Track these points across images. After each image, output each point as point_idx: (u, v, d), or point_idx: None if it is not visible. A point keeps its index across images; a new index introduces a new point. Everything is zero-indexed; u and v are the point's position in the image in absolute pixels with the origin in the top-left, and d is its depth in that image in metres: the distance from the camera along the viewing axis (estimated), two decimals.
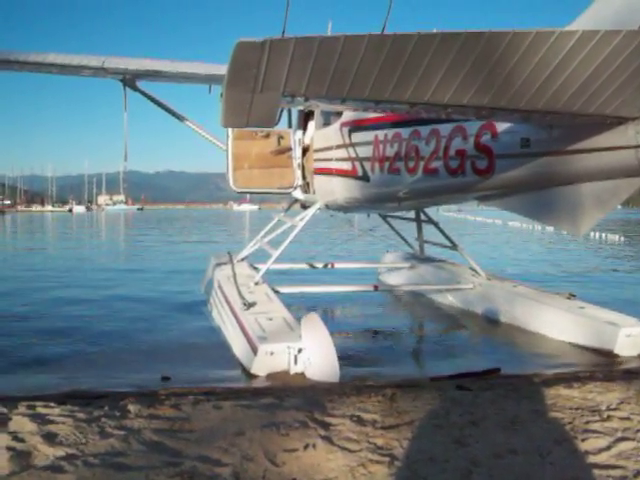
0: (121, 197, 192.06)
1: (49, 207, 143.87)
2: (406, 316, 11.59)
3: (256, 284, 9.62)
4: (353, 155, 9.13)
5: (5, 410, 4.51)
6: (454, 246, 11.57)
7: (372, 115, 8.53)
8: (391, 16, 3.55)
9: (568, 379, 6.05)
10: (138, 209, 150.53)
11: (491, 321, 9.87)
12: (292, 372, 6.58)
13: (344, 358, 6.54)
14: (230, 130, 11.15)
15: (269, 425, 4.32)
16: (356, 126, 9.06)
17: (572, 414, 4.85)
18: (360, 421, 4.57)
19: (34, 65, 9.62)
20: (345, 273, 13.66)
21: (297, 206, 12.56)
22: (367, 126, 8.70)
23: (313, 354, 6.52)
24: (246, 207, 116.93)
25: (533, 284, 10.58)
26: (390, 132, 8.05)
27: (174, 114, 11.46)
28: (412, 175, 7.61)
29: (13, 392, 5.79)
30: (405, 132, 7.71)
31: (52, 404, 4.74)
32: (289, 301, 8.95)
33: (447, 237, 11.67)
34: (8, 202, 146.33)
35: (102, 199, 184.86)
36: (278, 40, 3.58)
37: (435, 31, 3.65)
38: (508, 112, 4.56)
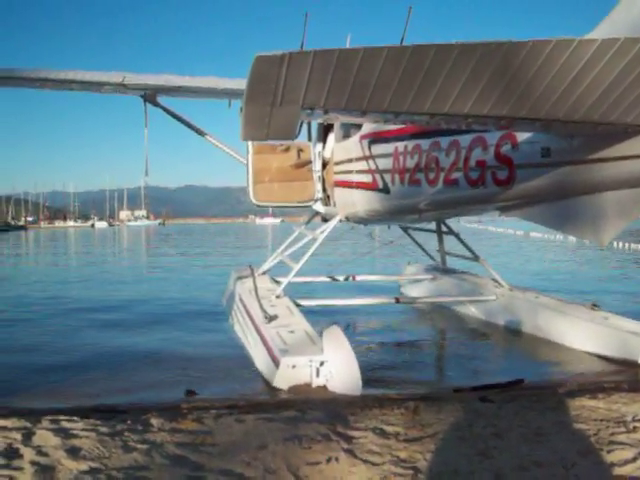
0: (142, 212, 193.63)
1: (71, 223, 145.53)
2: (428, 328, 11.52)
3: (277, 297, 9.63)
4: (373, 167, 9.13)
5: (29, 424, 4.55)
6: (476, 257, 11.51)
7: (392, 127, 8.54)
8: (409, 28, 3.54)
9: (593, 390, 5.97)
10: (159, 224, 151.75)
11: (514, 332, 9.79)
12: (314, 385, 6.55)
13: (366, 370, 6.50)
14: (250, 144, 11.21)
15: (291, 438, 4.31)
16: (376, 138, 9.07)
17: (597, 425, 4.78)
18: (383, 434, 4.55)
19: (55, 82, 9.76)
20: (366, 286, 13.63)
21: (318, 219, 12.57)
22: (387, 138, 8.70)
23: (335, 367, 6.50)
24: (268, 220, 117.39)
25: (555, 295, 10.45)
26: (410, 144, 8.03)
27: (194, 129, 11.56)
28: (432, 186, 7.58)
29: (37, 405, 5.91)
30: (425, 143, 7.70)
31: (75, 418, 4.77)
32: (310, 314, 8.93)
33: (468, 248, 11.61)
34: (31, 219, 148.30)
35: (124, 214, 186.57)
36: (297, 53, 3.60)
37: (454, 42, 3.65)
38: (528, 122, 4.53)
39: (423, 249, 13.37)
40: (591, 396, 5.60)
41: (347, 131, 10.37)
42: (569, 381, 6.70)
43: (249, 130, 4.52)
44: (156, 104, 10.65)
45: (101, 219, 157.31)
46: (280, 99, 3.92)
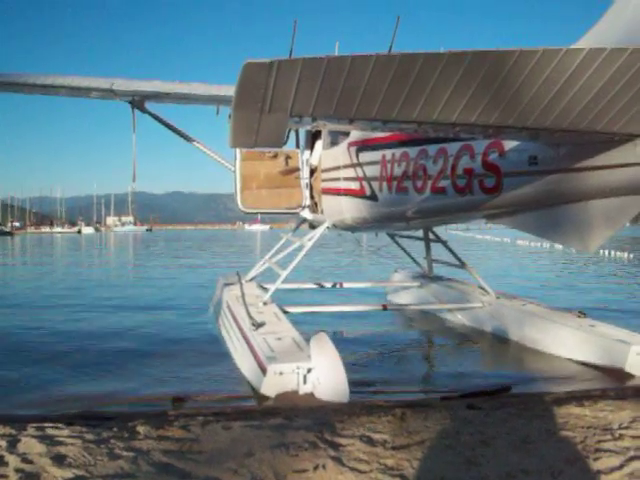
0: (129, 218, 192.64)
1: (58, 229, 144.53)
2: (415, 335, 11.54)
3: (265, 304, 9.61)
4: (361, 175, 9.16)
5: (14, 431, 4.51)
6: (462, 265, 11.55)
7: (379, 135, 8.57)
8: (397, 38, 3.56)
9: (579, 397, 6.00)
10: (147, 230, 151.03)
11: (501, 340, 9.82)
12: (301, 392, 6.52)
13: (353, 377, 6.48)
14: (238, 151, 11.22)
15: (278, 446, 4.29)
16: (363, 146, 9.10)
17: (584, 433, 4.80)
18: (370, 441, 4.54)
19: (43, 88, 9.74)
20: (354, 292, 13.63)
21: (305, 226, 12.57)
22: (374, 145, 8.73)
23: (322, 374, 6.48)
24: (257, 227, 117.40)
25: (542, 302, 10.49)
26: (397, 151, 8.07)
27: (182, 135, 11.57)
28: (420, 194, 7.62)
29: (22, 411, 5.86)
30: (412, 151, 7.74)
31: (61, 425, 4.73)
32: (298, 321, 8.92)
33: (456, 256, 11.65)
34: (17, 224, 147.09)
35: (111, 220, 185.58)
36: (286, 61, 3.61)
37: (442, 50, 3.67)
38: (515, 130, 4.56)
39: (410, 256, 13.40)
40: (577, 404, 5.63)
41: (335, 138, 10.40)
42: (556, 389, 6.71)
43: (237, 137, 4.53)
44: (144, 110, 10.64)
45: (88, 225, 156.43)
46: (269, 106, 3.92)
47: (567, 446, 4.53)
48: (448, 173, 7.03)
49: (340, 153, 9.87)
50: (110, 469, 3.87)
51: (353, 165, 9.40)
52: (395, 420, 5.13)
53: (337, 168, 10.05)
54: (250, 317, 8.56)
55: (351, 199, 9.57)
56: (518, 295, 11.14)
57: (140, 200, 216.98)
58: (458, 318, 11.33)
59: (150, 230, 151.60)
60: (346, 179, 9.71)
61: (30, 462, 3.91)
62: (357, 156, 9.31)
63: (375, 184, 8.73)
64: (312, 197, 11.46)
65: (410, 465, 4.11)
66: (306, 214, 11.74)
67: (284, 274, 10.10)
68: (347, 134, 9.80)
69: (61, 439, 4.37)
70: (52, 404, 6.23)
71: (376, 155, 8.68)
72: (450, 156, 6.99)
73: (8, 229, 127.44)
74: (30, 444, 4.25)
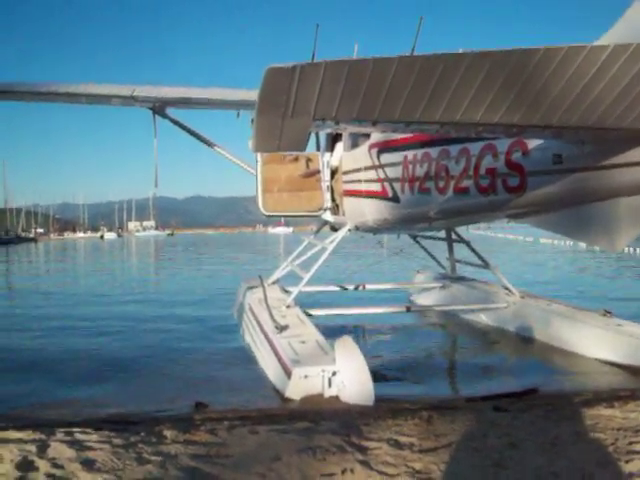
0: (151, 223, 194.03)
1: (81, 234, 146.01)
2: (439, 336, 11.46)
3: (288, 307, 9.62)
4: (382, 176, 9.12)
5: (43, 436, 4.54)
6: (486, 265, 11.46)
7: (400, 136, 8.54)
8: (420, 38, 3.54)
9: (608, 399, 5.92)
10: (168, 234, 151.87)
11: (526, 340, 9.72)
12: (326, 395, 6.52)
13: (378, 380, 6.45)
14: (259, 154, 11.24)
15: (306, 450, 4.29)
16: (385, 147, 9.06)
17: (614, 435, 4.74)
18: (397, 444, 4.52)
19: (65, 96, 9.83)
20: (377, 294, 13.57)
21: (327, 228, 12.56)
22: (396, 147, 8.69)
23: (347, 377, 6.46)
24: (281, 230, 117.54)
25: (568, 302, 10.36)
26: (419, 152, 8.02)
27: (203, 140, 11.63)
28: (442, 195, 7.56)
29: (51, 416, 5.92)
30: (434, 151, 7.68)
31: (89, 430, 4.76)
32: (321, 324, 8.92)
33: (479, 256, 11.58)
34: (41, 230, 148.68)
35: (132, 225, 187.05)
36: (308, 65, 3.61)
37: (465, 51, 3.65)
38: (540, 129, 4.52)
39: (433, 257, 13.33)
40: (607, 405, 5.56)
41: (355, 140, 10.38)
42: (584, 390, 6.62)
43: (260, 142, 4.53)
44: (165, 116, 10.70)
45: (110, 230, 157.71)
46: (291, 111, 3.92)
47: (598, 448, 4.47)
48: (471, 173, 6.97)
49: (361, 155, 9.85)
50: (139, 474, 3.89)
51: (374, 167, 9.37)
52: (422, 423, 5.10)
53: (358, 170, 10.03)
54: (273, 320, 8.57)
55: (373, 201, 9.53)
56: (542, 295, 11.03)
57: (161, 205, 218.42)
58: (482, 319, 11.23)
59: (172, 234, 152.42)
60: (367, 181, 9.68)
61: (60, 467, 3.94)
62: (378, 158, 9.28)
63: (397, 185, 8.69)
64: (333, 199, 11.45)
65: (438, 468, 4.08)
66: (327, 216, 11.72)
67: (307, 277, 10.11)
68: (368, 136, 9.77)
69: (90, 444, 4.40)
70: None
71: (398, 156, 8.64)
72: (472, 156, 6.93)
73: (32, 235, 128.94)
74: (60, 449, 4.28)
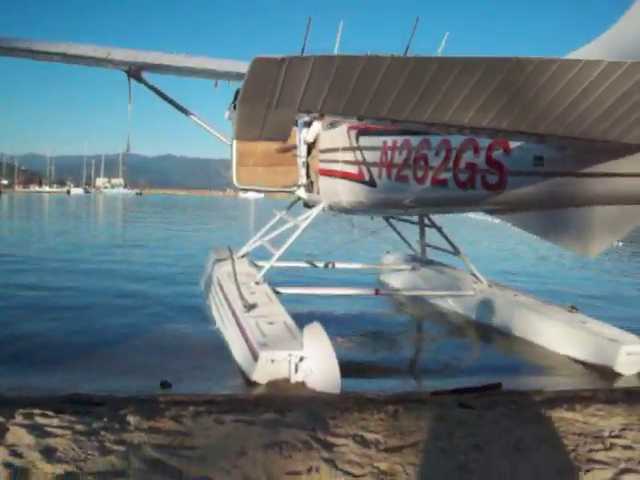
0: (120, 180, 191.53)
1: (47, 188, 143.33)
2: (406, 322, 11.53)
3: (257, 284, 9.54)
4: (360, 159, 9.02)
5: (2, 419, 4.43)
6: (457, 252, 11.52)
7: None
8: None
9: (570, 399, 5.99)
10: (137, 194, 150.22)
11: (491, 330, 9.84)
12: (293, 380, 6.51)
13: (343, 365, 6.42)
14: (235, 125, 11.05)
15: (271, 445, 4.25)
16: (364, 130, 8.95)
17: (575, 440, 4.79)
18: (363, 442, 4.51)
19: (43, 54, 9.55)
20: (346, 273, 13.55)
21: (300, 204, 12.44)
22: (375, 131, 8.59)
23: (315, 364, 6.45)
24: (251, 195, 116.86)
25: (533, 294, 10.46)
26: (399, 139, 7.92)
27: (179, 107, 11.42)
28: (420, 184, 7.50)
29: (9, 393, 5.79)
30: (415, 140, 7.59)
31: (50, 413, 4.66)
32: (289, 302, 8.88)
33: (450, 242, 11.61)
34: (5, 182, 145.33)
35: (100, 181, 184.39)
36: (296, 58, 3.50)
37: (458, 56, 3.57)
38: (526, 135, 4.48)
39: (404, 240, 13.32)
40: (569, 407, 5.61)
41: (334, 120, 10.25)
42: (547, 388, 6.70)
43: (242, 130, 4.44)
44: (140, 80, 10.44)
45: (77, 185, 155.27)
46: (276, 101, 3.82)
47: (559, 455, 4.52)
48: (450, 166, 6.91)
49: (339, 135, 9.72)
50: (101, 465, 3.81)
51: (352, 149, 9.26)
52: (388, 418, 5.10)
53: (335, 150, 9.91)
54: (242, 298, 8.50)
55: (349, 182, 9.44)
56: (510, 285, 11.14)
57: (130, 162, 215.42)
58: (449, 304, 11.33)
59: (140, 194, 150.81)
60: (344, 162, 9.57)
61: (19, 456, 3.83)
62: (357, 140, 9.16)
63: (374, 170, 8.60)
64: (308, 176, 11.34)
65: (403, 470, 4.08)
66: (301, 193, 11.62)
67: (277, 254, 10.01)
68: None
69: (50, 429, 4.30)
70: None
71: (377, 141, 8.53)
72: (453, 149, 6.86)
73: None
74: (19, 434, 4.17)
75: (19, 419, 4.48)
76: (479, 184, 6.51)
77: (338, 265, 12.76)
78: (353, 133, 9.27)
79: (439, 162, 7.09)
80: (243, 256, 11.67)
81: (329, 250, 13.63)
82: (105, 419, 4.65)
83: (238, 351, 7.43)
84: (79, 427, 4.39)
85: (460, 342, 9.77)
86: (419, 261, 13.14)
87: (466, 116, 4.01)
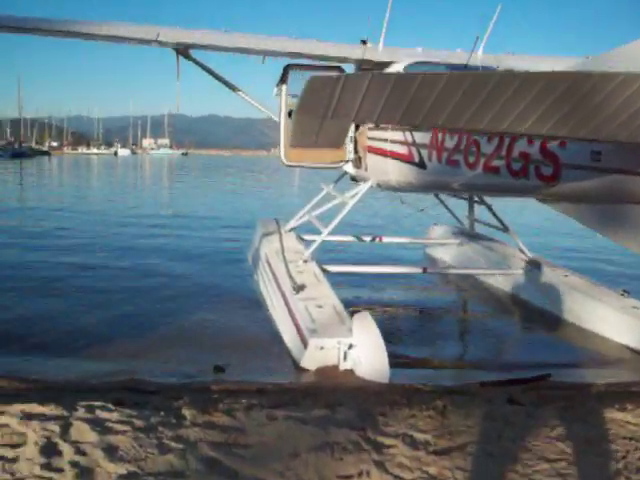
0: (165, 141, 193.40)
1: (94, 150, 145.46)
2: (454, 301, 11.48)
3: (305, 262, 9.59)
4: (410, 140, 8.90)
5: (65, 412, 4.62)
6: (505, 229, 11.39)
7: None
8: None
9: (621, 398, 5.89)
10: (183, 154, 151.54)
11: (540, 312, 9.73)
12: (341, 368, 6.61)
13: (389, 350, 6.49)
14: (283, 104, 11.04)
15: (323, 446, 4.34)
16: None
17: (625, 446, 4.73)
18: (413, 443, 4.57)
19: (89, 35, 9.67)
20: (393, 248, 13.53)
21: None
22: None
23: (364, 353, 6.52)
24: None
25: (584, 275, 10.21)
26: None
27: (227, 84, 11.43)
28: (471, 170, 7.39)
29: (70, 377, 6.07)
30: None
31: (110, 406, 4.83)
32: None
33: (499, 219, 11.47)
34: (55, 144, 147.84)
35: (146, 142, 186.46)
36: (353, 76, 3.50)
37: (517, 71, 3.51)
38: (586, 142, 4.39)
39: (453, 214, 13.18)
40: (620, 407, 5.53)
41: None
42: (597, 382, 6.63)
43: (298, 137, 4.48)
44: (189, 57, 10.46)
45: (124, 146, 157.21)
46: (332, 113, 3.81)
47: (608, 461, 4.48)
48: (503, 154, 6.79)
49: None
50: (160, 465, 3.95)
51: (402, 129, 9.15)
52: (436, 416, 5.14)
53: (385, 129, 9.81)
54: (291, 278, 8.59)
55: (398, 163, 9.35)
56: (560, 265, 10.93)
57: (175, 123, 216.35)
58: (497, 282, 11.22)
59: (186, 154, 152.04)
60: (393, 142, 9.46)
61: (83, 454, 4.01)
62: None
63: (424, 152, 8.47)
64: (356, 151, 11.28)
65: (452, 475, 4.13)
66: (349, 168, 11.60)
67: (325, 232, 10.00)
68: None
69: (111, 425, 4.47)
70: None
71: None
72: (506, 137, 6.73)
73: (45, 148, 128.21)
74: (82, 430, 4.35)
75: (81, 412, 4.66)
76: (532, 174, 6.40)
77: (385, 239, 12.71)
78: None
79: (492, 149, 6.96)
80: (290, 230, 11.73)
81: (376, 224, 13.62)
82: (162, 413, 4.81)
83: (288, 336, 7.55)
84: (138, 423, 4.55)
85: (507, 325, 9.75)
86: (467, 235, 13.03)
87: (524, 125, 3.95)
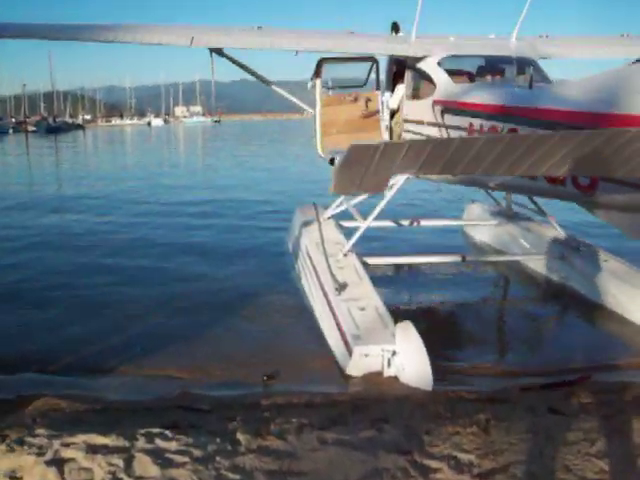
0: (198, 108, 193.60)
1: (128, 121, 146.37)
2: (490, 284, 11.51)
3: (345, 256, 9.74)
4: (446, 136, 8.95)
5: (127, 443, 4.91)
6: (543, 213, 11.38)
7: (467, 100, 8.38)
8: None
9: None
10: (215, 122, 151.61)
11: (581, 300, 9.73)
12: (385, 375, 6.83)
13: (434, 356, 6.69)
14: (318, 96, 11.13)
15: (373, 473, 4.57)
16: (450, 107, 8.86)
17: None
18: (457, 465, 4.76)
19: (125, 42, 9.78)
20: (431, 232, 13.54)
21: None
22: (462, 111, 8.49)
23: (407, 361, 6.71)
24: None
25: (626, 261, 9.98)
26: (486, 123, 7.81)
27: (261, 78, 11.56)
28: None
29: (123, 398, 6.40)
30: (503, 127, 7.44)
31: (168, 433, 5.11)
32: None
33: (536, 204, 11.44)
34: (88, 117, 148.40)
35: (179, 110, 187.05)
36: (391, 145, 3.62)
37: (553, 133, 3.59)
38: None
39: (490, 195, 13.13)
40: None
41: (417, 91, 10.14)
42: (636, 383, 6.74)
43: (341, 187, 4.62)
44: (223, 55, 10.56)
45: (157, 116, 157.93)
46: (374, 169, 3.94)
47: None
48: None
49: (424, 107, 9.63)
50: None
51: (437, 124, 9.19)
52: (479, 432, 5.32)
53: (420, 122, 9.85)
54: (333, 276, 8.75)
55: None
56: (601, 248, 10.77)
57: (206, 89, 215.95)
58: (537, 266, 11.23)
59: (218, 121, 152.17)
60: (429, 137, 9.51)
61: None
62: (442, 116, 9.08)
63: None
64: (391, 139, 11.34)
65: None
66: None
67: (364, 224, 10.05)
68: (431, 84, 9.57)
69: (171, 456, 4.72)
70: None
71: (463, 121, 8.44)
72: None
73: (79, 122, 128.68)
74: (144, 462, 4.62)
75: (142, 442, 4.94)
76: (570, 183, 6.42)
77: (423, 222, 12.70)
78: (438, 108, 9.19)
79: None
80: (329, 218, 11.85)
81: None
82: (218, 440, 5.07)
83: (333, 342, 7.76)
84: (196, 453, 4.81)
85: (547, 314, 9.80)
86: (505, 215, 13.01)
87: (558, 171, 4.05)
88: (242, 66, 11.12)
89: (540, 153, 3.65)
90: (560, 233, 11.02)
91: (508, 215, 12.95)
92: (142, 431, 5.15)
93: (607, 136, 3.50)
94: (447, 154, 3.67)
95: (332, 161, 4.06)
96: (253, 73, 11.42)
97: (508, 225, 12.71)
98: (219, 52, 10.46)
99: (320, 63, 10.94)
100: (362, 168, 3.89)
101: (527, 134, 3.65)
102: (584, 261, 10.23)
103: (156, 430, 5.19)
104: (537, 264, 11.20)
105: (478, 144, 3.57)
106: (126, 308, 9.61)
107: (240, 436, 5.16)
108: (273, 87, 11.65)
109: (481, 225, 13.63)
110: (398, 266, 11.59)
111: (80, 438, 4.96)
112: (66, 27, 10.18)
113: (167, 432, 5.16)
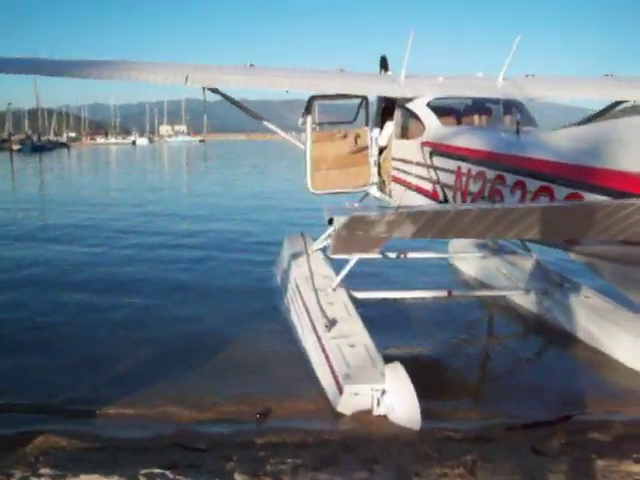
0: (182, 127, 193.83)
1: (112, 139, 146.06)
2: (475, 319, 11.70)
3: (334, 290, 9.95)
4: (434, 178, 9.21)
5: None
6: (526, 248, 11.65)
7: (455, 143, 8.67)
8: None
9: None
10: (200, 141, 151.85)
11: (561, 335, 9.95)
12: (375, 413, 7.04)
13: (421, 397, 6.88)
14: (309, 132, 11.39)
15: None
16: (438, 150, 9.14)
17: None
18: None
19: (116, 80, 9.88)
20: (417, 265, 13.73)
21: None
22: (450, 154, 8.77)
23: (396, 402, 6.92)
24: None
25: (607, 297, 10.17)
26: (474, 168, 8.03)
27: (252, 114, 11.84)
28: None
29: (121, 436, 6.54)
30: (490, 174, 7.68)
31: (168, 474, 5.29)
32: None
33: (523, 243, 11.67)
34: (73, 134, 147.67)
35: (164, 129, 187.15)
36: (388, 215, 3.87)
37: (539, 204, 3.87)
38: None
39: None
40: (638, 457, 5.88)
41: (406, 131, 10.45)
42: (615, 422, 6.98)
43: (339, 251, 4.86)
44: (215, 91, 10.78)
45: (142, 135, 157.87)
46: (370, 235, 4.20)
47: None
48: None
49: (413, 148, 9.90)
50: None
51: (426, 166, 9.46)
52: (466, 473, 5.55)
53: (409, 162, 10.13)
54: (322, 312, 8.95)
55: (423, 198, 9.64)
56: (584, 284, 10.82)
57: (191, 107, 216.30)
58: (520, 300, 11.42)
59: (203, 141, 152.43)
60: (418, 177, 9.80)
61: None
62: (431, 158, 9.35)
63: (449, 192, 8.74)
64: (380, 174, 11.64)
65: None
66: (373, 191, 11.92)
67: (350, 263, 10.22)
68: (420, 125, 9.86)
69: None
70: None
71: (451, 164, 8.68)
72: (528, 192, 6.95)
73: (64, 140, 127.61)
74: None
75: None
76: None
77: (410, 255, 12.90)
78: (427, 150, 9.47)
79: (514, 202, 7.23)
80: (317, 250, 12.05)
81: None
82: None
83: (323, 379, 7.93)
84: None
85: (530, 351, 10.03)
86: (489, 249, 13.27)
87: (548, 235, 4.32)
88: (235, 103, 11.38)
89: (531, 221, 3.92)
90: (544, 268, 11.30)
91: (493, 248, 13.23)
92: (143, 471, 5.32)
93: (592, 208, 3.80)
94: (442, 223, 3.94)
95: (330, 221, 4.23)
96: (246, 109, 11.70)
97: (493, 258, 12.98)
98: (214, 90, 10.72)
99: (311, 100, 11.23)
100: (360, 235, 4.14)
101: (516, 206, 3.91)
102: (566, 297, 10.47)
103: (157, 471, 5.36)
104: (522, 299, 11.41)
105: (472, 214, 3.84)
106: (115, 345, 9.64)
107: (238, 477, 5.35)
108: (264, 122, 11.92)
109: (466, 258, 13.87)
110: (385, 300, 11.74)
111: (83, 479, 5.13)
112: (65, 64, 10.36)
113: (167, 472, 5.33)
